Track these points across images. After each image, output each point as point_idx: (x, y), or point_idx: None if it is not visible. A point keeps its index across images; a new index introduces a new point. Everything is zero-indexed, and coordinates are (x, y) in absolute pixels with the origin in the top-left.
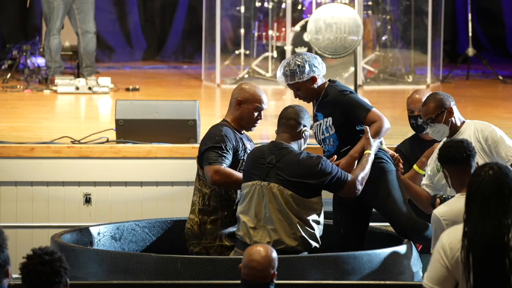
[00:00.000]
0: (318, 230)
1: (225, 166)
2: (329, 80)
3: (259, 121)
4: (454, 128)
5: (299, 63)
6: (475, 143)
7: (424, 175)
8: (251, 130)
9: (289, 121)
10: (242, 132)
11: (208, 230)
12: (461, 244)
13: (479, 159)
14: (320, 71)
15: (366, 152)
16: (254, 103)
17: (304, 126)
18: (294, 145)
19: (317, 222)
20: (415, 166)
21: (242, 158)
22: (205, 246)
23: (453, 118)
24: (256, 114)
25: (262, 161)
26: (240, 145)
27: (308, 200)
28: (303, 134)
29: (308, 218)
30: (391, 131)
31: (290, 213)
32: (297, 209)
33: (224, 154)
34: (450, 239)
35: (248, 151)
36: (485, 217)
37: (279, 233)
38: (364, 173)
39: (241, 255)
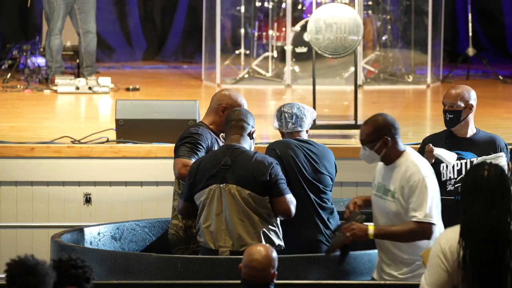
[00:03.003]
0: (279, 229)
1: (192, 160)
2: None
3: None
4: (388, 159)
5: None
6: (398, 183)
7: None
8: None
9: (239, 123)
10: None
11: (194, 234)
12: (459, 240)
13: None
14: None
15: None
16: None
17: (253, 127)
18: (245, 146)
19: (277, 221)
20: None
21: None
22: (194, 250)
23: (387, 149)
24: None
25: (217, 164)
26: (216, 146)
27: (266, 199)
28: (251, 135)
29: (268, 216)
30: None
31: (251, 212)
32: (256, 207)
33: (196, 151)
34: (450, 242)
35: None
36: (490, 210)
37: (241, 234)
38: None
39: None
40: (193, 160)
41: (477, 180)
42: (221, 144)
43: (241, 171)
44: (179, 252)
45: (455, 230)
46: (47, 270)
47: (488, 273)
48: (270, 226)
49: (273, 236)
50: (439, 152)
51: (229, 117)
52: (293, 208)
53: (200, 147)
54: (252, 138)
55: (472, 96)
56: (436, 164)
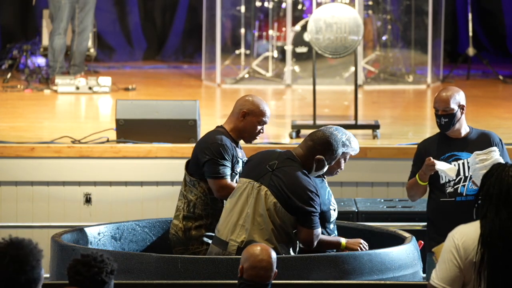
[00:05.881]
0: (292, 245)
1: (228, 179)
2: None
3: (260, 135)
4: None
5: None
6: None
7: (423, 185)
8: (250, 143)
9: (308, 142)
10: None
11: (193, 236)
12: (478, 244)
13: None
14: None
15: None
16: (259, 116)
17: (321, 154)
18: (304, 165)
19: (292, 240)
20: (417, 176)
21: (235, 169)
22: (193, 251)
23: None
24: (259, 127)
25: (266, 162)
26: (235, 154)
27: (288, 215)
28: (316, 161)
29: (285, 230)
30: (391, 131)
31: (269, 219)
32: (275, 217)
33: (226, 164)
34: (463, 238)
35: (240, 161)
36: None
37: (254, 235)
38: (326, 239)
39: (217, 252)
40: (228, 179)
41: (502, 186)
42: (238, 151)
43: (278, 181)
44: (178, 253)
45: (470, 226)
46: (34, 244)
47: (506, 278)
48: (281, 240)
49: (280, 250)
50: (440, 166)
51: (313, 131)
52: (315, 242)
53: (227, 160)
54: (315, 163)
55: (462, 97)
56: None
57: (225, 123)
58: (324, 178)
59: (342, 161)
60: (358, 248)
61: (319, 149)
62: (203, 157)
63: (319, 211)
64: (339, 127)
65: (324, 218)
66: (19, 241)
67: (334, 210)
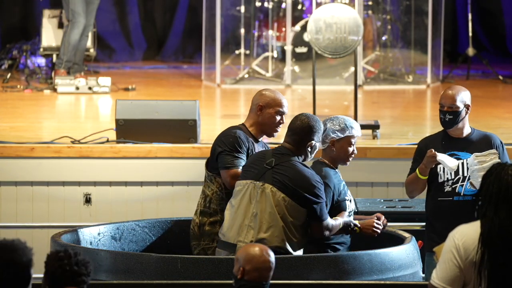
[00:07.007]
0: (302, 242)
1: (240, 169)
2: None
3: (281, 126)
4: None
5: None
6: None
7: (423, 180)
8: (273, 136)
9: (293, 136)
10: (260, 139)
11: (207, 232)
12: (478, 243)
13: None
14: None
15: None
16: (275, 107)
17: (311, 140)
18: (298, 157)
19: (302, 234)
20: (417, 171)
21: None
22: (204, 247)
23: None
24: (278, 118)
25: (262, 161)
26: (250, 147)
27: (299, 207)
28: (310, 147)
29: (295, 225)
30: (391, 131)
31: (278, 215)
32: (286, 213)
33: (240, 156)
34: (464, 238)
35: None
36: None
37: (263, 234)
38: (336, 224)
39: (226, 255)
40: (239, 169)
41: (501, 185)
42: (257, 148)
43: (282, 176)
44: (193, 247)
45: (470, 226)
46: (24, 244)
47: (507, 277)
48: (290, 235)
49: (289, 247)
50: (442, 157)
51: (290, 124)
52: (327, 233)
53: (241, 152)
54: (308, 151)
55: (468, 97)
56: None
57: (245, 120)
58: (338, 171)
59: (348, 146)
60: (372, 232)
61: (307, 138)
62: (216, 150)
63: (336, 200)
64: (334, 116)
65: (340, 208)
66: (10, 243)
67: (350, 201)
